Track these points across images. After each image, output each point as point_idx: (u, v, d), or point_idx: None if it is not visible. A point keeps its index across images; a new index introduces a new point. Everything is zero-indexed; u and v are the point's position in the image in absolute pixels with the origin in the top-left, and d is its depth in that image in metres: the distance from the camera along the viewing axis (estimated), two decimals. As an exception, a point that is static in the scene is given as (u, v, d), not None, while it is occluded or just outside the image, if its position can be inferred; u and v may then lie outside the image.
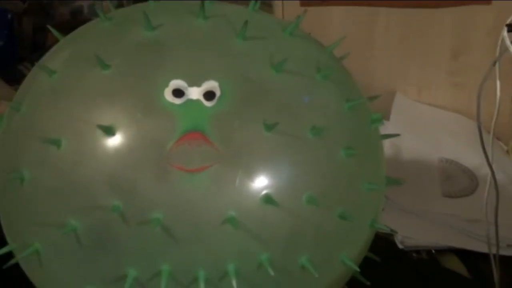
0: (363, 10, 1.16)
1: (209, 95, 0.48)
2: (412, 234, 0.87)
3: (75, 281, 0.50)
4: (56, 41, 0.57)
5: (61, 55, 0.54)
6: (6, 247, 0.53)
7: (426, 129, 1.11)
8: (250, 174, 0.47)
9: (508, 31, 0.66)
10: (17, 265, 0.54)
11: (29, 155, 0.50)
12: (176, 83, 0.48)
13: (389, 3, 1.15)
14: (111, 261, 0.48)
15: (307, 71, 0.53)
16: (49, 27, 0.58)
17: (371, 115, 0.57)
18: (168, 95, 0.48)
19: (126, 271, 0.47)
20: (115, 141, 0.47)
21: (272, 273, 0.47)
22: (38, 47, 1.59)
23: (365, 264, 0.58)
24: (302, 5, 1.16)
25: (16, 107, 0.52)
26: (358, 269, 0.55)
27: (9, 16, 1.62)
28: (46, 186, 0.49)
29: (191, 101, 0.48)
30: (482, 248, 0.82)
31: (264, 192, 0.47)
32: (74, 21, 1.75)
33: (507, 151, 1.08)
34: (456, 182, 1.00)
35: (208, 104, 0.48)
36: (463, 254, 0.86)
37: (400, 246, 0.87)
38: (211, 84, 0.48)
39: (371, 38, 1.18)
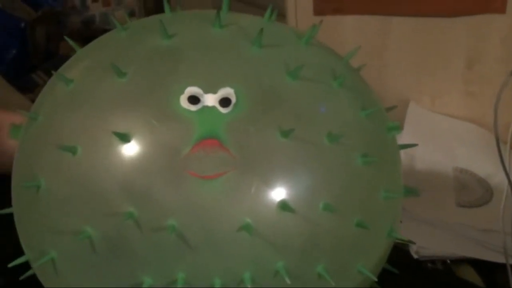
0: (376, 19, 1.17)
1: (224, 101, 0.48)
2: (427, 244, 0.87)
3: None
4: (69, 49, 0.58)
5: (78, 65, 0.54)
6: (23, 257, 0.53)
7: (440, 138, 1.11)
8: (266, 180, 0.47)
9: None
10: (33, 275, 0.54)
11: (45, 163, 0.50)
12: (191, 90, 0.48)
13: (402, 12, 1.15)
14: (126, 269, 0.48)
15: (323, 78, 0.52)
16: (65, 37, 0.58)
17: (388, 124, 0.57)
18: (183, 102, 0.47)
19: (142, 279, 0.47)
20: (130, 148, 0.47)
21: (289, 281, 0.47)
22: (51, 56, 1.60)
23: (381, 273, 0.58)
24: (315, 14, 1.17)
25: (33, 116, 0.53)
26: (375, 279, 0.54)
27: (22, 24, 1.64)
28: (62, 194, 0.48)
29: (206, 107, 0.47)
30: (498, 258, 0.82)
31: (280, 199, 0.47)
32: (86, 30, 1.76)
33: (522, 161, 1.08)
34: (471, 191, 0.99)
35: (223, 110, 0.47)
36: (479, 265, 0.86)
37: (415, 256, 0.86)
38: (227, 91, 0.48)
39: (384, 47, 1.18)
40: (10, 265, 0.52)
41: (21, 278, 0.53)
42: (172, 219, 0.46)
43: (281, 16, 1.16)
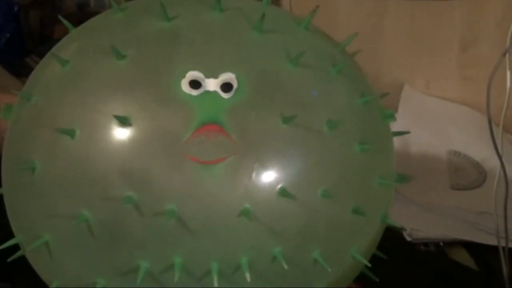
0: (371, 1, 1.16)
1: (226, 87, 0.48)
2: (420, 226, 0.87)
3: (86, 273, 0.50)
4: (64, 33, 0.57)
5: (73, 46, 0.54)
6: (13, 239, 0.53)
7: (434, 121, 1.12)
8: (266, 166, 0.47)
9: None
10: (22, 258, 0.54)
11: (41, 145, 0.49)
12: (193, 74, 0.47)
13: (397, -6, 1.15)
14: (123, 253, 0.48)
15: (323, 65, 0.52)
16: (60, 17, 0.57)
17: (383, 111, 0.57)
18: (185, 86, 0.47)
19: (138, 264, 0.47)
20: (130, 131, 0.46)
21: (286, 266, 0.47)
22: (45, 40, 1.59)
23: (373, 256, 0.58)
24: (310, -3, 1.17)
25: (26, 96, 0.52)
26: (369, 264, 0.55)
27: (16, 8, 1.63)
28: (58, 177, 0.48)
29: (208, 92, 0.47)
30: (490, 240, 0.83)
31: (280, 185, 0.47)
32: (81, 13, 1.75)
33: (516, 144, 1.08)
34: (465, 174, 1.00)
35: (225, 96, 0.47)
36: (471, 247, 0.87)
37: (408, 239, 0.87)
38: (228, 76, 0.48)
39: (379, 29, 1.18)
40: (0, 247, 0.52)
41: (9, 260, 0.53)
42: (172, 204, 0.46)
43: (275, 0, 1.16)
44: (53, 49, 0.54)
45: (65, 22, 0.56)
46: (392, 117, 0.57)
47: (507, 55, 0.70)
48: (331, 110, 0.50)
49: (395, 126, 0.60)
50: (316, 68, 0.51)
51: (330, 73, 0.52)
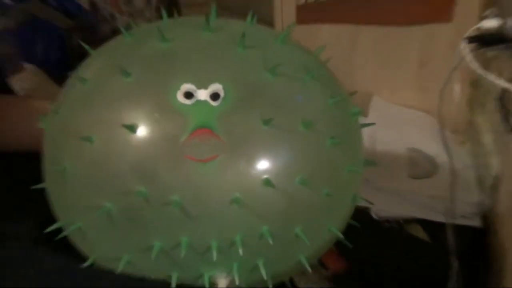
0: (347, 28, 1.17)
1: (214, 96, 0.48)
2: (384, 207, 0.88)
3: (113, 251, 0.50)
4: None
5: (91, 66, 0.53)
6: (56, 224, 0.53)
7: (397, 124, 1.12)
8: (252, 161, 0.47)
9: (467, 42, 0.66)
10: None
11: (68, 150, 0.50)
12: (186, 86, 0.47)
13: (368, 22, 1.16)
14: (140, 235, 0.48)
15: (297, 73, 0.52)
16: (80, 42, 0.57)
17: (352, 109, 0.56)
18: (180, 97, 0.47)
19: (153, 243, 0.48)
20: (137, 137, 0.46)
21: (271, 242, 0.47)
22: (85, 58, 1.59)
23: (347, 231, 0.59)
24: (298, 23, 1.17)
25: (55, 110, 0.52)
26: (342, 236, 0.55)
27: (62, 32, 1.63)
28: (83, 176, 0.49)
29: (199, 101, 0.47)
30: (440, 218, 0.84)
31: (263, 176, 0.47)
32: (114, 37, 1.76)
33: (462, 142, 1.09)
34: (420, 166, 1.00)
35: (214, 104, 0.47)
36: (425, 224, 0.87)
37: (375, 217, 0.88)
38: (216, 87, 0.48)
39: (353, 50, 1.19)
40: (45, 231, 0.52)
41: (56, 239, 0.53)
42: (176, 196, 0.46)
43: (270, 25, 1.16)
44: (77, 69, 0.54)
45: (85, 46, 0.55)
46: (359, 114, 0.57)
47: (456, 71, 0.70)
48: (306, 111, 0.50)
49: (366, 128, 0.61)
50: (291, 76, 0.51)
51: (304, 80, 0.51)
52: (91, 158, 0.48)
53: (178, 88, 0.47)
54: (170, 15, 0.56)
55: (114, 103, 0.48)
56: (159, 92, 0.48)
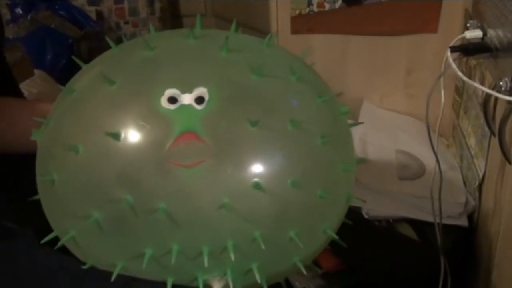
0: (339, 37, 1.16)
1: (199, 99, 0.44)
2: (375, 207, 0.87)
3: (107, 257, 0.47)
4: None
5: (80, 77, 0.50)
6: (52, 234, 0.50)
7: (386, 128, 1.11)
8: (240, 165, 0.43)
9: (452, 51, 0.65)
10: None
11: (56, 160, 0.47)
12: (170, 91, 0.44)
13: (359, 32, 1.15)
14: (131, 242, 0.45)
15: (283, 74, 0.48)
16: (73, 57, 0.54)
17: (340, 108, 0.53)
18: (164, 102, 0.44)
19: (144, 251, 0.45)
20: (122, 145, 0.43)
21: (263, 247, 0.44)
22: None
23: (340, 230, 0.57)
24: (292, 33, 1.16)
25: (46, 123, 0.49)
26: (337, 238, 0.51)
27: (70, 41, 1.63)
28: (71, 185, 0.45)
29: (184, 106, 0.44)
30: (428, 218, 0.82)
31: (253, 180, 0.43)
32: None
33: (448, 145, 1.08)
34: (409, 168, 0.99)
35: (198, 107, 0.44)
36: (414, 223, 0.86)
37: (366, 216, 0.86)
38: (201, 90, 0.44)
39: (345, 58, 1.18)
40: (42, 241, 0.49)
41: (56, 247, 0.50)
42: (162, 203, 0.42)
43: (266, 35, 1.15)
44: (69, 82, 0.51)
45: (77, 60, 0.52)
46: (347, 112, 0.53)
47: (441, 78, 0.70)
48: (293, 111, 0.47)
49: (356, 131, 0.59)
50: (277, 76, 0.48)
51: (290, 80, 0.48)
52: (77, 167, 0.45)
53: (162, 94, 0.44)
54: (172, 25, 0.54)
55: (99, 111, 0.45)
56: (143, 98, 0.44)
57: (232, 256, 0.43)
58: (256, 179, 0.43)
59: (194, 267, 0.45)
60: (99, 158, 0.44)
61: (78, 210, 0.45)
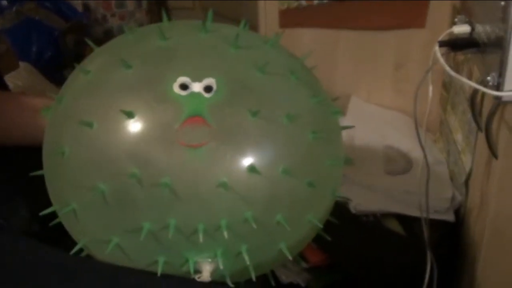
0: (327, 32, 1.16)
1: (208, 88, 0.48)
2: (362, 202, 0.87)
3: (103, 232, 0.50)
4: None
5: (95, 60, 0.54)
6: (51, 208, 0.53)
7: (373, 123, 1.11)
8: (239, 149, 0.47)
9: (440, 46, 0.65)
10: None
11: (69, 135, 0.50)
12: (182, 79, 0.48)
13: (347, 26, 1.14)
14: (130, 216, 0.48)
15: (284, 73, 0.52)
16: (86, 40, 0.57)
17: (332, 109, 0.57)
18: (176, 88, 0.48)
19: (142, 224, 0.47)
20: (134, 123, 0.47)
21: (254, 226, 0.47)
22: (78, 58, 1.57)
23: (327, 224, 0.57)
24: (281, 27, 1.16)
25: (59, 99, 0.52)
26: (321, 227, 0.54)
27: (56, 33, 1.61)
28: (81, 158, 0.48)
29: (193, 93, 0.48)
30: (414, 213, 0.83)
31: (249, 163, 0.47)
32: (106, 38, 1.74)
33: (435, 140, 1.08)
34: (396, 163, 0.99)
35: (207, 95, 0.48)
36: (400, 218, 0.86)
37: (353, 211, 0.86)
38: (210, 81, 0.48)
39: (333, 53, 1.17)
40: (41, 213, 0.52)
41: (51, 224, 0.53)
42: (166, 178, 0.46)
43: (254, 28, 1.15)
44: (81, 63, 0.54)
45: (90, 43, 0.56)
46: (339, 113, 0.57)
47: (429, 73, 0.70)
48: (290, 106, 0.51)
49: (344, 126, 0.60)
50: (278, 75, 0.52)
51: (289, 79, 0.52)
52: (90, 141, 0.48)
53: (175, 80, 0.48)
54: (160, 18, 0.56)
55: (115, 92, 0.49)
56: (157, 83, 0.48)
57: (226, 234, 0.47)
58: (251, 163, 0.47)
59: (187, 245, 0.48)
60: (111, 134, 0.47)
61: (85, 182, 0.48)
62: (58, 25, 1.62)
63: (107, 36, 1.75)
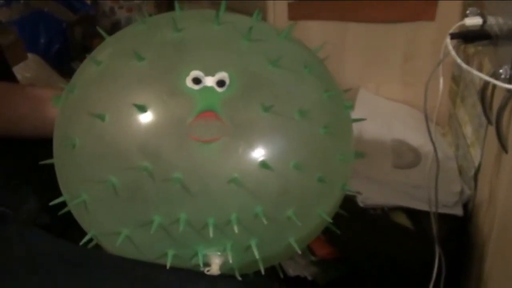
0: (336, 24, 1.16)
1: (220, 83, 0.48)
2: (370, 195, 0.87)
3: (113, 224, 0.50)
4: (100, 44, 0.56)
5: (106, 50, 0.53)
6: (61, 198, 0.52)
7: (382, 116, 1.10)
8: (251, 144, 0.47)
9: (451, 38, 0.65)
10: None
11: (80, 126, 0.49)
12: (195, 73, 0.47)
13: (356, 19, 1.14)
14: (141, 209, 0.48)
15: (296, 67, 0.52)
16: (98, 28, 0.56)
17: (344, 103, 0.56)
18: (188, 82, 0.47)
19: (153, 218, 0.47)
20: (146, 117, 0.46)
21: (265, 222, 0.47)
22: (86, 50, 1.57)
23: (335, 217, 0.57)
24: (289, 19, 1.16)
25: (70, 89, 0.52)
26: (331, 220, 0.54)
27: (64, 25, 1.61)
28: (92, 151, 0.48)
29: (206, 87, 0.47)
30: (423, 207, 0.82)
31: (261, 159, 0.47)
32: (113, 31, 1.74)
33: (443, 134, 1.08)
34: (404, 157, 0.99)
35: (219, 90, 0.47)
36: (409, 212, 0.86)
37: (361, 205, 0.86)
38: (222, 75, 0.48)
39: (342, 45, 1.17)
40: (51, 203, 0.52)
41: (59, 213, 0.53)
42: (178, 173, 0.46)
43: (263, 20, 1.14)
44: (91, 53, 0.54)
45: (102, 32, 0.55)
46: (351, 107, 0.57)
47: (440, 65, 0.69)
48: (302, 101, 0.50)
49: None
50: (291, 69, 0.51)
51: (302, 73, 0.52)
52: (101, 134, 0.47)
53: (188, 74, 0.47)
54: (168, 9, 0.56)
55: (127, 84, 0.48)
56: (170, 76, 0.48)
57: (236, 229, 0.46)
58: (263, 158, 0.47)
59: (197, 239, 0.48)
60: (123, 127, 0.47)
61: (95, 175, 0.48)
62: (66, 17, 1.62)
63: (115, 28, 1.75)
